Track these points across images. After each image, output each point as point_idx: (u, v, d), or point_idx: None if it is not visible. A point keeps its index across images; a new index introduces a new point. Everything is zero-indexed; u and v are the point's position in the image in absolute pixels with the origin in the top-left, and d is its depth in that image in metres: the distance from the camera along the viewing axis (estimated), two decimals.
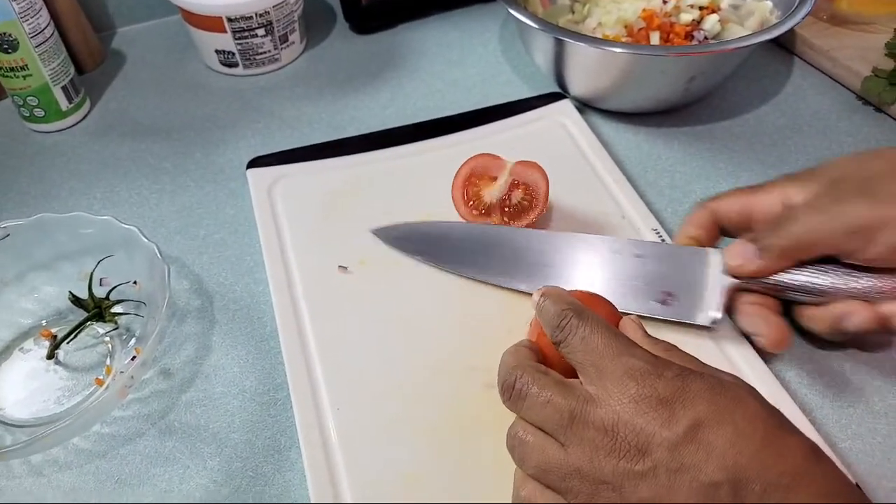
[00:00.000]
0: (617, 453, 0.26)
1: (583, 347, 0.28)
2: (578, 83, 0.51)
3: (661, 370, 0.27)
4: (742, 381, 0.28)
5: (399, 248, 0.42)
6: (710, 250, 0.37)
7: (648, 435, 0.26)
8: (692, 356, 0.30)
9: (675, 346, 0.30)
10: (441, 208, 0.44)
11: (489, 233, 0.41)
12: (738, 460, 0.25)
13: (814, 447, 0.26)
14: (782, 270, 0.34)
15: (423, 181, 0.46)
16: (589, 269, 0.38)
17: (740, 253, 0.35)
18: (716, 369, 0.29)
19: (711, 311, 0.36)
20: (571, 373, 0.29)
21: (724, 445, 0.25)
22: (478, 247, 0.40)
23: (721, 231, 0.38)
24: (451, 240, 0.41)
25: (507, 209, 0.42)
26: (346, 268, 0.41)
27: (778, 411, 0.27)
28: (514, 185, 0.42)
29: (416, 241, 0.42)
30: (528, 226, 0.41)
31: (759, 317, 0.35)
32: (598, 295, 0.34)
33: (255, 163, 0.48)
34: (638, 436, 0.26)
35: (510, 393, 0.29)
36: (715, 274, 0.36)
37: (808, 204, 0.34)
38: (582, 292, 0.33)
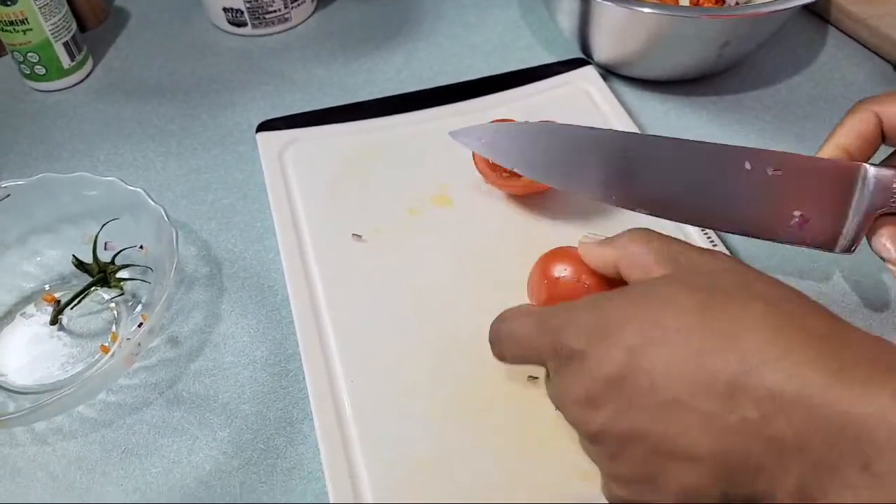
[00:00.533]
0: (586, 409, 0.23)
1: (517, 345, 0.27)
2: (604, 48, 0.48)
3: (569, 313, 0.24)
4: (722, 261, 0.24)
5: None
6: (865, 166, 0.30)
7: (587, 390, 0.23)
8: (675, 239, 0.26)
9: (647, 231, 0.27)
10: (460, 175, 0.42)
11: (596, 136, 0.33)
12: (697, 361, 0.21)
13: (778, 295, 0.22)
14: None
15: (440, 147, 0.44)
16: (714, 186, 0.32)
17: None
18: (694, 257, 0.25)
19: (848, 239, 0.30)
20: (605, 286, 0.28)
21: (666, 362, 0.21)
22: (582, 153, 0.33)
23: (882, 139, 0.32)
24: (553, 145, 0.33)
25: None
26: (360, 236, 0.40)
27: (737, 280, 0.23)
28: None
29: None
30: None
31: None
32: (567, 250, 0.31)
33: (265, 126, 0.46)
34: (587, 388, 0.23)
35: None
36: (862, 195, 0.30)
37: None
38: (555, 251, 0.32)
